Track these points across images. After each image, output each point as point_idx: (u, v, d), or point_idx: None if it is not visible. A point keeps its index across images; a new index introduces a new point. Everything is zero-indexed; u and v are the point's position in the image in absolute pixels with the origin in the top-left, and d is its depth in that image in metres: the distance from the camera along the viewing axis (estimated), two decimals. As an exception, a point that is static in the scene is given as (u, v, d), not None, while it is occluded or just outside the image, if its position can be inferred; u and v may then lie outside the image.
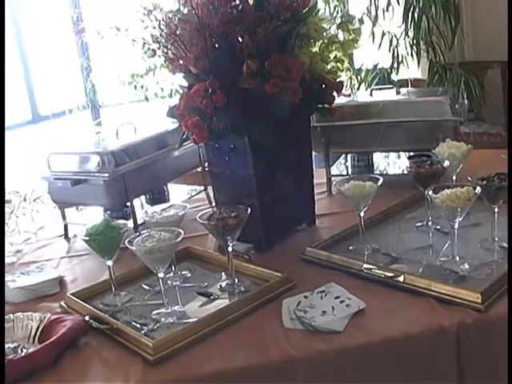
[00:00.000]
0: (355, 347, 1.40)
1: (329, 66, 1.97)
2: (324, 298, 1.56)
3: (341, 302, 1.53)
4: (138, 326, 1.54)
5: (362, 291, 1.58)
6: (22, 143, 5.31)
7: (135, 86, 5.38)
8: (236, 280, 1.70)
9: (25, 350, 1.46)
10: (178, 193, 2.56)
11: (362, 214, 1.80)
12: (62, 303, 1.75)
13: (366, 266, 1.69)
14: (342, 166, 2.64)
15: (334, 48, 1.98)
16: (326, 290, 1.59)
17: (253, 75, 1.74)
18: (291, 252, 1.87)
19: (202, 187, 2.53)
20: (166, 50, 1.85)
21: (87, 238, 1.68)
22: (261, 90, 1.73)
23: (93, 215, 2.28)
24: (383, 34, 4.84)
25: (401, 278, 1.59)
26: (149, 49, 1.89)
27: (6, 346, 1.48)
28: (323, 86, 1.93)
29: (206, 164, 2.28)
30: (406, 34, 4.85)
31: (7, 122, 5.17)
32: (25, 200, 2.53)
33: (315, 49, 1.94)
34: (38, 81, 5.46)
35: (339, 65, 2.00)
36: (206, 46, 1.77)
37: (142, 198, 2.47)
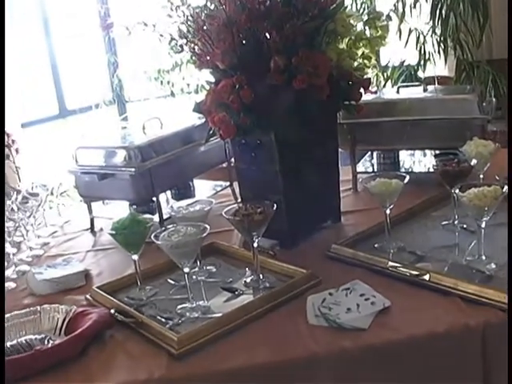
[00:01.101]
0: (380, 345, 1.40)
1: (356, 63, 1.96)
2: (349, 295, 1.55)
3: (366, 299, 1.52)
4: (163, 320, 1.55)
5: (387, 289, 1.57)
6: (48, 137, 5.37)
7: (161, 82, 5.41)
8: (261, 276, 1.70)
9: (51, 342, 1.47)
10: (203, 188, 2.57)
11: (387, 211, 1.79)
12: (88, 296, 1.76)
13: (391, 263, 1.68)
14: (367, 164, 2.63)
15: (361, 45, 1.97)
16: (350, 287, 1.58)
17: (280, 71, 1.74)
18: (316, 249, 1.87)
19: (228, 183, 2.54)
20: (193, 45, 1.86)
21: (113, 232, 1.69)
22: (288, 87, 1.73)
23: (119, 209, 2.29)
24: (410, 31, 4.81)
25: (426, 277, 1.58)
26: (176, 44, 1.89)
27: (33, 336, 1.49)
28: (350, 82, 1.92)
29: (232, 160, 2.28)
30: (434, 31, 4.81)
31: (34, 117, 5.25)
32: (52, 194, 2.55)
33: (342, 45, 1.93)
34: (66, 76, 5.51)
35: (366, 61, 1.99)
36: (234, 41, 1.77)
37: (168, 192, 2.49)
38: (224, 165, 2.53)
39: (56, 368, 1.40)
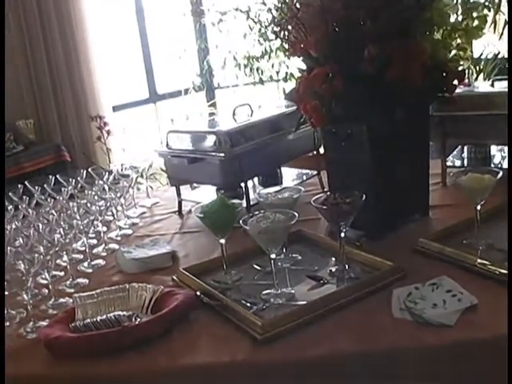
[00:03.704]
0: (464, 343, 1.37)
1: (450, 54, 1.92)
2: (435, 290, 1.53)
3: (452, 295, 1.49)
4: (248, 304, 1.56)
5: (474, 287, 1.53)
6: (138, 121, 5.50)
7: (250, 69, 5.42)
8: (346, 266, 1.70)
9: (138, 319, 1.52)
10: (290, 176, 2.57)
11: (478, 207, 1.75)
12: (174, 277, 1.80)
13: (479, 261, 1.64)
14: (455, 158, 2.58)
15: (457, 35, 1.92)
16: (437, 282, 1.56)
17: (374, 61, 1.71)
18: (403, 242, 1.84)
19: (315, 171, 2.53)
20: (287, 32, 1.86)
21: (202, 216, 1.71)
22: (381, 76, 1.71)
23: (206, 194, 2.33)
24: (505, 23, 4.66)
25: (516, 276, 1.54)
26: (266, 32, 1.90)
27: (122, 313, 1.54)
28: (444, 74, 1.89)
29: (321, 148, 2.28)
30: (531, 22, 4.64)
31: (125, 100, 5.38)
32: (141, 176, 2.61)
33: (438, 36, 1.90)
34: (157, 61, 5.62)
35: (461, 53, 1.95)
36: (327, 29, 1.76)
37: (255, 179, 2.50)
38: (311, 153, 2.52)
39: (141, 345, 1.44)
